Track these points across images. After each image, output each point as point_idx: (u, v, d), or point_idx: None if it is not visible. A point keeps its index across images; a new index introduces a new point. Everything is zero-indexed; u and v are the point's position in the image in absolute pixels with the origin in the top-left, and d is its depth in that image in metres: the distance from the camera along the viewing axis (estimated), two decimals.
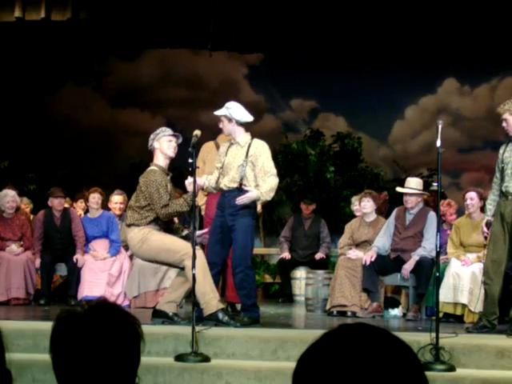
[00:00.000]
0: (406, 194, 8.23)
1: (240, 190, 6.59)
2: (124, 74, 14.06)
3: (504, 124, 6.55)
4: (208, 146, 7.85)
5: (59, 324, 1.76)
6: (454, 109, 13.39)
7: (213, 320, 6.26)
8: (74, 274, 8.84)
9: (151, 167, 6.60)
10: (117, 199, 9.49)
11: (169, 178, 6.60)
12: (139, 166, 11.12)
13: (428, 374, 1.35)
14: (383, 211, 9.86)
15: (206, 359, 5.47)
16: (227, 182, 6.67)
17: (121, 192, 9.55)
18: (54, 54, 12.72)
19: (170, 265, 6.72)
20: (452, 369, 5.34)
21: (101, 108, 14.11)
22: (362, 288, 8.12)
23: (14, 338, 5.50)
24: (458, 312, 7.65)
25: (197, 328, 5.54)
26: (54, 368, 1.75)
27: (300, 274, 10.18)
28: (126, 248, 8.61)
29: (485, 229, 6.73)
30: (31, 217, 9.74)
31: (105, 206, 9.42)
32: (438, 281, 5.87)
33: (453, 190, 12.37)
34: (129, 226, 6.56)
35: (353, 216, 9.48)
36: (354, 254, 8.37)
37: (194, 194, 6.04)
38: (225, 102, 6.90)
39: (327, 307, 8.34)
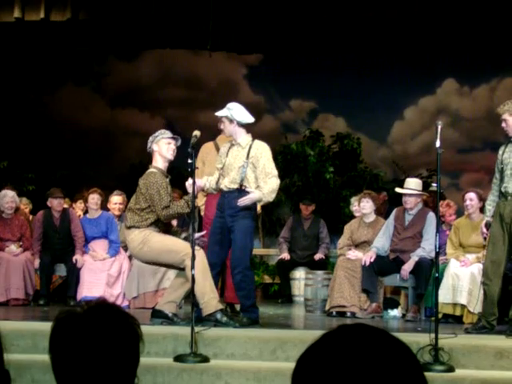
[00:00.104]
0: (406, 194, 8.23)
1: (240, 191, 6.59)
2: (123, 75, 14.06)
3: (503, 124, 6.55)
4: (207, 147, 7.85)
5: (58, 324, 1.76)
6: (454, 109, 13.39)
7: (212, 320, 6.26)
8: (74, 274, 8.84)
9: (150, 169, 6.60)
10: (116, 200, 9.49)
11: (168, 180, 6.60)
12: (138, 167, 11.13)
13: (427, 374, 1.35)
14: (382, 212, 9.86)
15: (206, 360, 5.47)
16: (227, 183, 6.67)
17: (120, 193, 9.54)
18: (54, 55, 12.72)
19: (171, 266, 6.71)
20: (451, 369, 5.34)
21: (100, 108, 14.11)
22: (362, 288, 8.11)
23: (13, 339, 5.50)
24: (458, 313, 7.65)
25: (196, 328, 5.54)
26: (54, 369, 1.75)
27: (299, 274, 10.18)
28: (126, 248, 8.61)
29: (484, 229, 6.73)
30: (30, 217, 9.74)
31: (104, 206, 9.43)
32: (438, 281, 5.87)
33: (452, 191, 12.37)
34: (129, 228, 6.55)
35: (352, 216, 9.49)
36: (354, 254, 8.37)
37: (194, 195, 6.03)
38: (224, 102, 6.90)
39: (326, 308, 8.34)
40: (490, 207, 6.72)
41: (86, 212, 9.61)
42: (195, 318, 5.61)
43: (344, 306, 8.15)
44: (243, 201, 6.51)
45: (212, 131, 7.91)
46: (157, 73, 14.10)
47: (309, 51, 11.35)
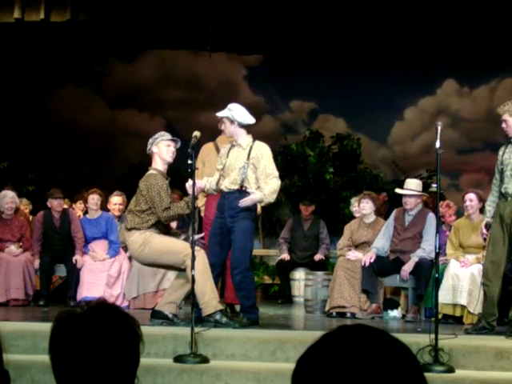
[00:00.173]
0: (406, 195, 8.23)
1: (241, 192, 6.59)
2: (123, 75, 14.06)
3: (504, 125, 6.54)
4: (207, 148, 7.85)
5: (58, 325, 1.76)
6: (454, 110, 13.40)
7: (212, 321, 6.26)
8: (73, 274, 8.84)
9: (150, 171, 6.60)
10: (116, 200, 9.49)
11: (168, 182, 6.60)
12: (138, 167, 11.14)
13: (427, 375, 1.35)
14: (382, 212, 9.86)
15: (205, 360, 5.47)
16: (228, 184, 6.67)
17: (120, 193, 9.54)
18: (54, 55, 12.72)
19: (171, 267, 6.70)
20: (451, 370, 5.34)
21: (100, 109, 14.12)
22: (362, 289, 8.11)
23: (13, 339, 5.50)
24: (457, 313, 7.65)
25: (196, 329, 5.54)
26: (53, 369, 1.75)
27: (299, 275, 10.18)
28: (125, 249, 8.61)
29: (484, 230, 6.72)
30: (30, 218, 9.74)
31: (104, 207, 9.42)
32: (437, 282, 5.87)
33: (452, 192, 12.37)
34: (129, 230, 6.54)
35: (352, 217, 9.49)
36: (354, 255, 8.37)
37: (194, 196, 6.03)
38: (224, 103, 6.90)
39: (326, 308, 8.34)
40: (489, 208, 6.72)
41: (85, 212, 9.61)
42: (195, 318, 5.61)
43: (344, 307, 8.15)
44: (244, 201, 6.51)
45: (212, 132, 7.91)
46: (157, 73, 14.11)
47: (309, 52, 11.35)
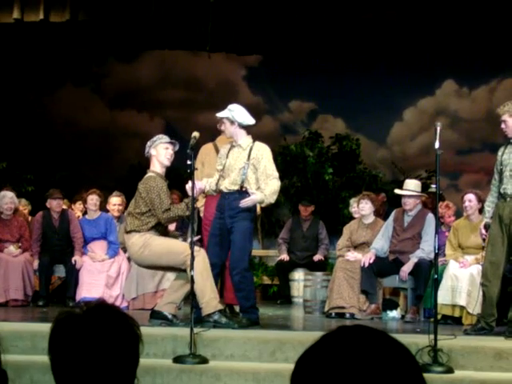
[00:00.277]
0: (405, 195, 8.23)
1: (241, 193, 6.60)
2: (123, 76, 14.06)
3: (503, 125, 6.54)
4: (207, 148, 7.85)
5: (58, 325, 1.76)
6: (453, 111, 13.40)
7: (211, 321, 6.26)
8: (73, 275, 8.83)
9: (149, 174, 6.60)
10: (115, 201, 9.48)
11: (166, 184, 6.60)
12: (138, 168, 11.14)
13: (426, 375, 1.35)
14: (381, 213, 9.86)
15: (205, 361, 5.47)
16: (228, 185, 6.67)
17: (119, 194, 9.54)
18: (53, 56, 12.72)
19: (171, 268, 6.68)
20: (450, 371, 5.34)
21: (99, 110, 14.12)
22: (361, 290, 8.11)
23: (12, 340, 5.49)
24: (457, 314, 7.65)
25: (195, 329, 5.54)
26: (53, 370, 1.75)
27: (298, 275, 10.18)
28: (125, 250, 8.61)
29: (483, 231, 6.72)
30: (29, 218, 9.73)
31: (103, 207, 9.42)
32: (437, 283, 5.87)
33: (451, 192, 12.37)
34: (129, 232, 6.54)
35: (351, 218, 9.49)
36: (353, 255, 8.37)
37: (193, 197, 6.03)
38: (223, 103, 6.90)
39: (325, 309, 8.34)
40: (489, 208, 6.72)
41: (85, 213, 9.61)
42: (194, 319, 5.61)
43: (343, 307, 8.15)
44: (245, 202, 6.52)
45: (211, 132, 7.91)
46: (156, 74, 14.10)
47: (308, 52, 11.35)
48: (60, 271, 9.11)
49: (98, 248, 9.06)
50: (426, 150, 12.28)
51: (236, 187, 6.63)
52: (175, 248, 6.40)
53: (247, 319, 6.60)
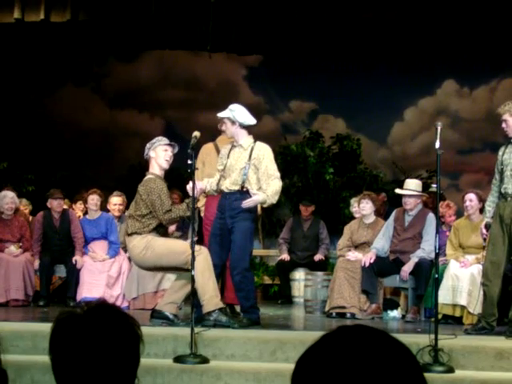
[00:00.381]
0: (405, 195, 8.23)
1: (242, 193, 6.59)
2: (123, 76, 14.06)
3: (504, 125, 6.54)
4: (207, 148, 7.84)
5: (58, 325, 1.76)
6: (453, 110, 13.40)
7: (211, 319, 6.26)
8: (73, 275, 8.83)
9: (149, 176, 6.60)
10: (116, 201, 9.48)
11: (166, 185, 6.60)
12: (138, 168, 11.14)
13: (427, 375, 1.35)
14: (382, 213, 9.86)
15: (205, 361, 5.47)
16: (229, 185, 6.67)
17: (120, 193, 9.54)
18: (54, 56, 12.72)
19: (173, 269, 6.68)
20: (451, 370, 5.34)
21: (100, 109, 14.12)
22: (361, 289, 8.11)
23: (12, 340, 5.50)
24: (457, 313, 7.65)
25: (196, 329, 5.55)
26: (54, 369, 1.75)
27: (299, 275, 10.18)
28: (125, 249, 8.61)
29: (484, 230, 6.72)
30: (30, 218, 9.74)
31: (104, 207, 9.42)
32: (437, 282, 5.87)
33: (452, 192, 12.37)
34: (130, 234, 6.54)
35: (352, 217, 9.49)
36: (353, 255, 8.37)
37: (194, 197, 6.03)
38: (224, 103, 6.90)
39: (326, 309, 8.34)
40: (489, 208, 6.72)
41: (85, 213, 9.61)
42: (195, 318, 5.62)
43: (344, 307, 8.14)
44: (247, 203, 6.51)
45: (212, 132, 7.91)
46: (156, 74, 14.11)
47: (308, 52, 11.35)
48: (61, 271, 9.11)
49: (99, 248, 9.06)
50: (426, 150, 12.28)
51: (237, 187, 6.63)
52: (177, 248, 6.40)
53: (248, 319, 6.60)
